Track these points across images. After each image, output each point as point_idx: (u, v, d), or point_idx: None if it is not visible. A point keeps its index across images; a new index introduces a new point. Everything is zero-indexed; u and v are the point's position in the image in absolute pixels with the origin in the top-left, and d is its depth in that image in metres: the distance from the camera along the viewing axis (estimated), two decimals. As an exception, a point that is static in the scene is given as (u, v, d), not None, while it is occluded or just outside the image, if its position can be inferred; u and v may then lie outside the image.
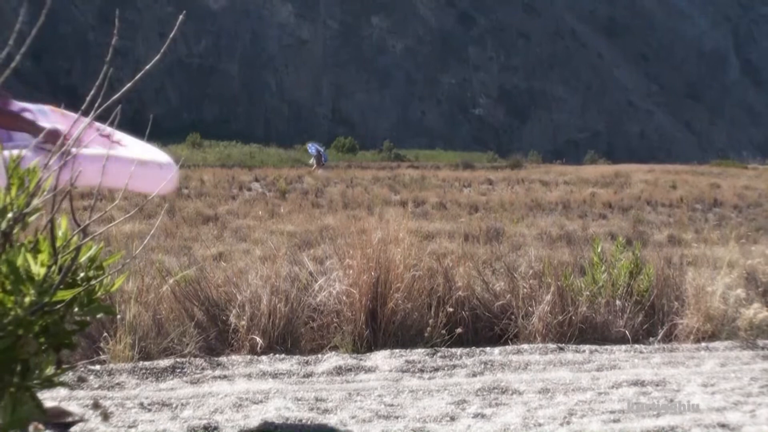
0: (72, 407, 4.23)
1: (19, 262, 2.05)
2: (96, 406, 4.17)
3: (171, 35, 2.45)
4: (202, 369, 5.41)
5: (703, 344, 6.33)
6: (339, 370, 5.45)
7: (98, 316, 2.29)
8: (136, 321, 5.71)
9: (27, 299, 2.04)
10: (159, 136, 62.65)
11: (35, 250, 2.11)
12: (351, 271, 6.23)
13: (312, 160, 48.58)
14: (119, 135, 4.18)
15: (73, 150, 3.69)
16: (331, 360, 5.64)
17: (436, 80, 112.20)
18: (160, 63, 2.34)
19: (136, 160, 4.10)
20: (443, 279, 6.52)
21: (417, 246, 6.79)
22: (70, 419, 4.06)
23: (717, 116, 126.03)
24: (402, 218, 6.96)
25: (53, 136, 3.69)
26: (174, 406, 4.62)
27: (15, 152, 2.63)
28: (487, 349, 5.99)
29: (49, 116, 4.17)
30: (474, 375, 5.39)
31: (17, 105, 4.08)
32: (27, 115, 4.00)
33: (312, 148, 50.69)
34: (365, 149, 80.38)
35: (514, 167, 58.97)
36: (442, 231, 16.21)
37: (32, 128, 3.80)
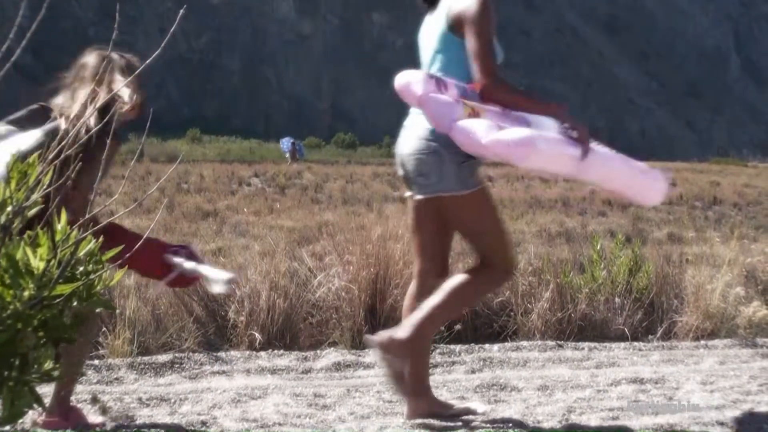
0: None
1: (19, 255, 2.05)
2: (94, 400, 4.17)
3: (171, 30, 2.45)
4: (201, 364, 5.42)
5: (702, 342, 6.33)
6: (338, 366, 5.46)
7: (97, 310, 2.29)
8: (135, 316, 5.71)
9: (26, 293, 2.03)
10: (159, 131, 62.67)
11: (35, 244, 2.11)
12: (350, 267, 6.24)
13: (287, 155, 48.06)
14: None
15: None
16: (330, 356, 5.65)
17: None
18: (160, 58, 2.34)
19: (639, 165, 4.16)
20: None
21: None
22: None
23: (717, 114, 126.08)
24: (402, 214, 6.96)
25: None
26: (172, 401, 4.62)
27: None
28: (486, 346, 5.99)
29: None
30: (473, 372, 5.39)
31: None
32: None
33: (285, 143, 50.16)
34: (365, 145, 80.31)
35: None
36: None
37: (562, 115, 3.92)
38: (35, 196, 2.16)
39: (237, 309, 5.99)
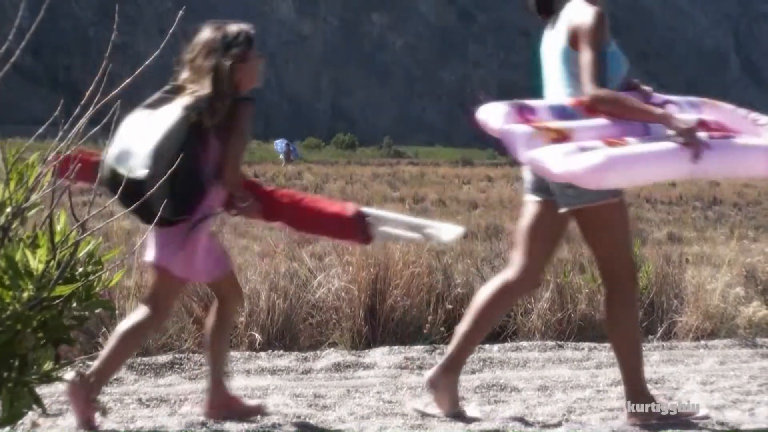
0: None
1: (18, 257, 2.05)
2: (94, 401, 4.16)
3: (171, 31, 2.45)
4: (201, 365, 5.41)
5: (702, 342, 6.33)
6: (338, 367, 5.45)
7: (97, 311, 2.29)
8: (135, 317, 5.70)
9: (25, 294, 2.03)
10: (159, 131, 62.75)
11: (34, 245, 2.11)
12: (350, 268, 6.24)
13: (281, 156, 47.96)
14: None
15: (705, 136, 3.92)
16: (330, 356, 5.64)
17: (436, 77, 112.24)
18: (159, 58, 2.34)
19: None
20: (442, 276, 6.53)
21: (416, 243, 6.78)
22: None
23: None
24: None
25: (696, 128, 3.96)
26: (172, 402, 4.62)
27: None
28: (486, 346, 5.98)
29: (699, 108, 4.28)
30: (473, 372, 5.39)
31: (659, 98, 4.27)
32: (670, 107, 4.14)
33: (280, 144, 50.09)
34: (365, 145, 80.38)
35: (514, 164, 58.70)
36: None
37: (668, 121, 3.94)
38: (35, 197, 2.16)
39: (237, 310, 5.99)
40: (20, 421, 2.14)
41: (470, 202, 24.68)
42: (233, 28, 4.12)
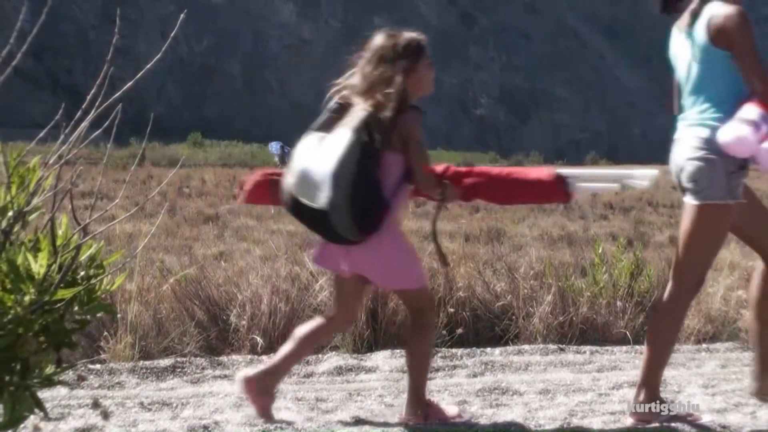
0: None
1: (20, 260, 2.05)
2: (96, 405, 4.16)
3: (172, 34, 2.45)
4: (203, 369, 5.41)
5: (704, 345, 6.32)
6: (339, 370, 5.45)
7: (98, 315, 2.29)
8: (137, 320, 5.71)
9: (27, 298, 2.03)
10: (160, 135, 62.66)
11: (35, 249, 2.11)
12: (352, 271, 6.23)
13: (276, 159, 47.89)
14: None
15: None
16: (332, 360, 5.64)
17: (437, 80, 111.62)
18: (161, 62, 2.34)
19: None
20: (444, 279, 6.52)
21: (418, 246, 6.79)
22: None
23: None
24: (402, 218, 6.95)
25: None
26: (174, 405, 4.62)
27: None
28: (488, 349, 5.98)
29: None
30: (474, 375, 5.39)
31: None
32: None
33: (273, 147, 50.05)
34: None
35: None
36: (443, 231, 16.21)
37: None
38: (36, 201, 2.16)
39: (238, 313, 5.99)
40: (22, 425, 2.14)
41: (472, 206, 24.66)
42: (404, 37, 4.18)
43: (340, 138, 3.97)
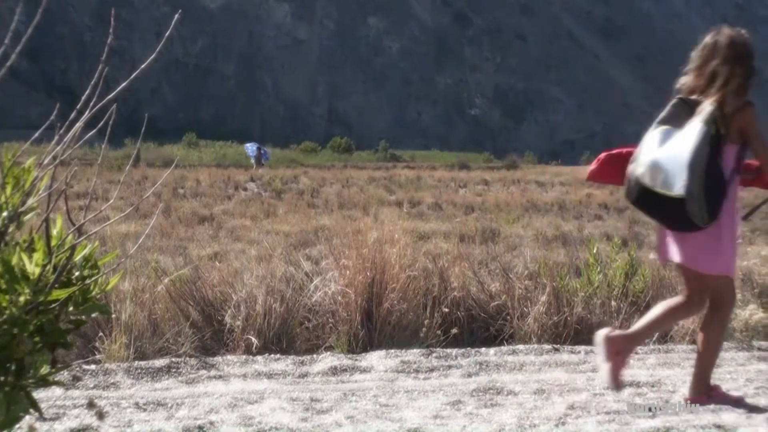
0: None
1: (14, 261, 2.05)
2: (91, 405, 4.17)
3: (167, 35, 2.45)
4: (198, 369, 5.41)
5: (699, 345, 6.32)
6: (334, 371, 5.45)
7: (93, 315, 2.29)
8: (132, 321, 5.71)
9: (22, 298, 2.03)
10: (155, 135, 62.64)
11: (30, 249, 2.11)
12: (346, 272, 6.24)
13: (252, 160, 47.98)
14: None
15: None
16: (327, 360, 5.64)
17: (432, 81, 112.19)
18: (156, 63, 2.34)
19: None
20: (439, 279, 6.53)
21: (412, 246, 6.80)
22: None
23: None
24: (397, 218, 6.96)
25: None
26: (169, 406, 4.62)
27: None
28: (483, 349, 5.99)
29: None
30: (469, 375, 5.39)
31: None
32: None
33: (250, 148, 50.19)
34: (361, 149, 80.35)
35: (510, 168, 58.99)
36: (438, 231, 16.21)
37: None
38: (31, 201, 2.16)
39: (233, 313, 5.99)
40: (17, 425, 2.14)
41: (466, 206, 24.71)
42: (740, 37, 4.43)
43: (693, 130, 4.24)
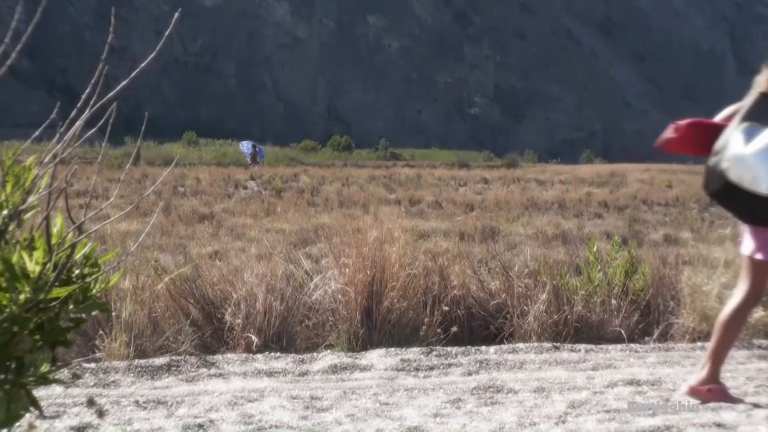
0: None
1: (15, 259, 2.05)
2: (91, 403, 4.16)
3: (167, 33, 2.45)
4: (198, 367, 5.41)
5: (699, 344, 6.33)
6: (334, 369, 5.45)
7: (93, 313, 2.29)
8: (132, 319, 5.71)
9: (22, 296, 2.03)
10: (155, 134, 62.62)
11: (30, 248, 2.11)
12: (346, 270, 6.24)
13: (247, 158, 47.96)
14: None
15: None
16: (327, 358, 5.64)
17: (431, 79, 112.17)
18: (155, 61, 2.34)
19: None
20: (439, 278, 6.53)
21: (412, 245, 6.79)
22: None
23: (713, 116, 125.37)
24: (397, 217, 6.96)
25: None
26: (169, 404, 4.62)
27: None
28: (483, 348, 5.99)
29: None
30: (469, 374, 5.39)
31: None
32: None
33: (244, 146, 50.17)
34: (361, 148, 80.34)
35: (510, 166, 58.93)
36: (438, 230, 16.23)
37: None
38: (31, 199, 2.16)
39: (233, 312, 5.99)
40: (17, 423, 2.14)
41: (466, 204, 24.72)
42: None
43: None
